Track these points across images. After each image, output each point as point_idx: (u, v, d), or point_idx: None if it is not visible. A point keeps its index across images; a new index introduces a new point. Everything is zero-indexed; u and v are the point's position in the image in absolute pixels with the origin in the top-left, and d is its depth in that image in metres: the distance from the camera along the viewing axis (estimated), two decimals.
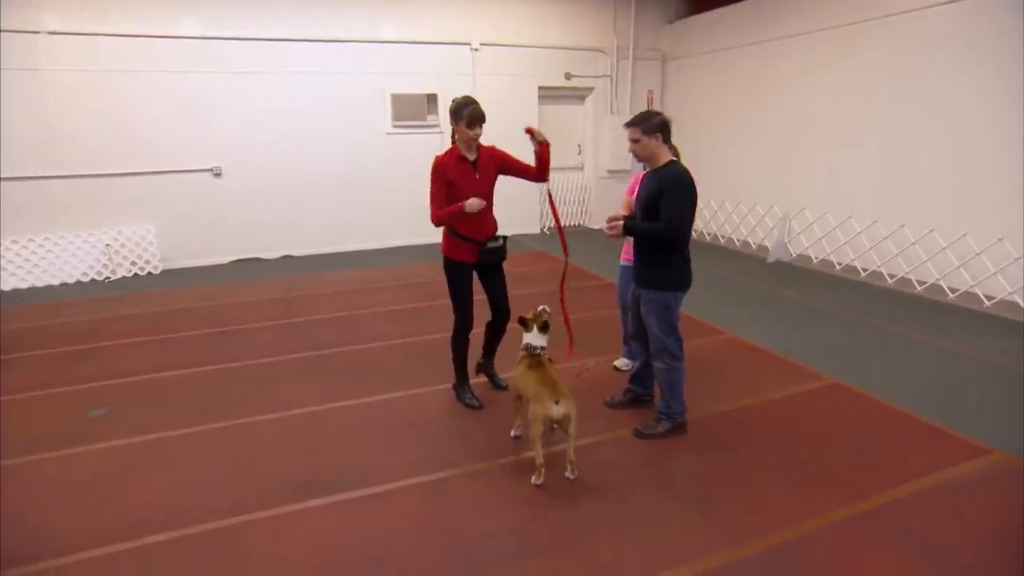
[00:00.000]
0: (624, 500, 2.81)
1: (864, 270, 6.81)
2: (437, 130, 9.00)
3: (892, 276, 6.50)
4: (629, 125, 3.15)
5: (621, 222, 3.11)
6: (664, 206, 3.02)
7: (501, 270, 3.65)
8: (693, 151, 9.99)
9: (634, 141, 3.13)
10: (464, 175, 3.42)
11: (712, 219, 9.21)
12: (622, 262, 4.03)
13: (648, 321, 3.24)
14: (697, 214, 10.50)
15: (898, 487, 2.86)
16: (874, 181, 6.89)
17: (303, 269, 7.82)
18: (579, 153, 10.44)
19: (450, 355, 3.75)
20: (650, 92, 10.28)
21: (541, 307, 3.29)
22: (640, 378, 3.65)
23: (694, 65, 9.66)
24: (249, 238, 8.34)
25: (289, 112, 8.16)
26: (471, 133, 3.36)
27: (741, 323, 5.30)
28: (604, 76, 9.96)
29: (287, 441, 3.41)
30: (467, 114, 3.32)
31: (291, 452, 3.29)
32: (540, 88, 9.50)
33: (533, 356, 3.11)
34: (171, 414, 3.76)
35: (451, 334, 3.67)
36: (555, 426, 2.87)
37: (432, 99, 8.84)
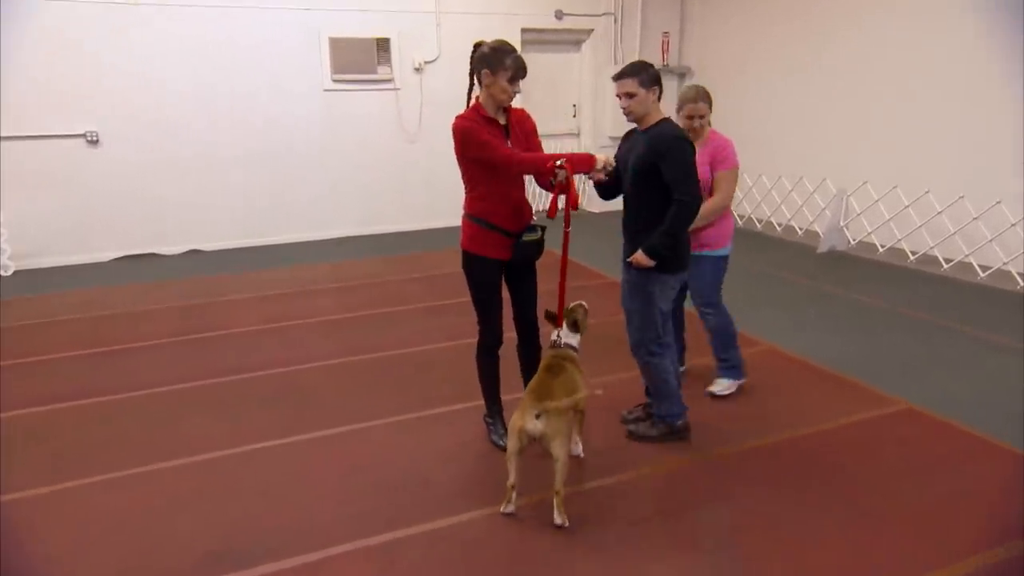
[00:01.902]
0: (630, 559, 2.77)
1: (947, 260, 6.87)
2: (391, 86, 8.94)
3: (985, 268, 6.56)
4: (621, 77, 3.31)
5: (645, 262, 3.28)
6: (672, 176, 3.22)
7: (534, 270, 3.61)
8: (721, 109, 9.99)
9: (629, 96, 3.29)
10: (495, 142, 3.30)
11: (747, 198, 9.26)
12: None
13: (629, 308, 3.55)
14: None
15: (998, 547, 2.83)
16: (959, 145, 6.95)
17: (215, 267, 7.71)
18: (574, 115, 10.43)
19: (476, 377, 3.73)
20: (665, 35, 10.31)
21: (576, 303, 3.49)
22: None
23: None
24: (140, 227, 8.21)
25: (193, 59, 8.06)
26: (512, 89, 3.26)
27: (785, 330, 5.31)
28: (606, 14, 9.98)
29: (189, 497, 3.32)
30: (511, 63, 3.20)
31: (194, 512, 3.20)
32: (523, 31, 9.49)
33: (555, 355, 3.32)
34: (31, 466, 3.64)
35: (476, 350, 3.65)
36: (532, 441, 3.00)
37: (384, 45, 8.78)
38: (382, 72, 8.86)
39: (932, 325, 5.41)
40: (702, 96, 3.89)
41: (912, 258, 7.17)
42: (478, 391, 3.77)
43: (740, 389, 4.22)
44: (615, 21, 10.03)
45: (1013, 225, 6.28)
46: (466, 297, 3.64)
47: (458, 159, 3.36)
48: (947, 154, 7.02)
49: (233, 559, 2.84)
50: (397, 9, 8.78)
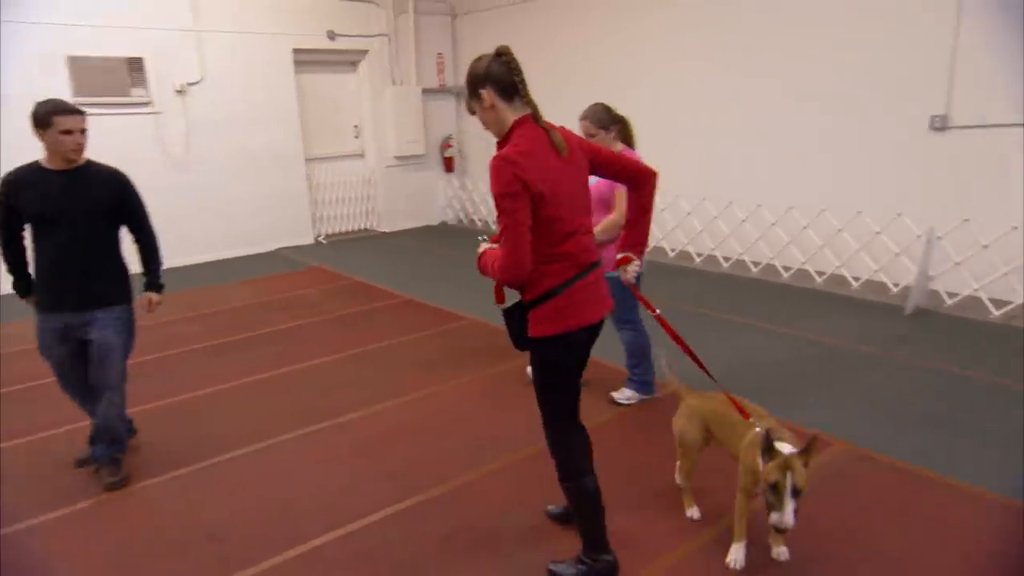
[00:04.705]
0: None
1: (698, 255, 7.68)
2: (148, 109, 8.23)
3: (821, 274, 6.69)
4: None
5: None
6: None
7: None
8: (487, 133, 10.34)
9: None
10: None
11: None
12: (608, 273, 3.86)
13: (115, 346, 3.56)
14: (489, 214, 10.56)
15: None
16: (698, 150, 7.80)
17: None
18: (357, 136, 10.30)
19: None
20: (440, 56, 10.55)
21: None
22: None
23: (491, 20, 10.15)
24: None
25: None
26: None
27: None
28: (380, 35, 10.00)
29: (71, 547, 2.87)
30: None
31: (82, 560, 2.81)
32: (296, 51, 9.22)
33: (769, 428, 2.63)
34: None
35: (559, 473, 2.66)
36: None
37: (136, 64, 8.06)
38: (136, 94, 8.13)
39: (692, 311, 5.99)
40: (586, 115, 3.88)
41: (755, 269, 7.91)
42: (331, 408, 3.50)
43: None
44: (390, 42, 10.06)
45: (776, 226, 7.14)
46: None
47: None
48: (688, 160, 7.84)
49: None
50: (147, 26, 8.08)
